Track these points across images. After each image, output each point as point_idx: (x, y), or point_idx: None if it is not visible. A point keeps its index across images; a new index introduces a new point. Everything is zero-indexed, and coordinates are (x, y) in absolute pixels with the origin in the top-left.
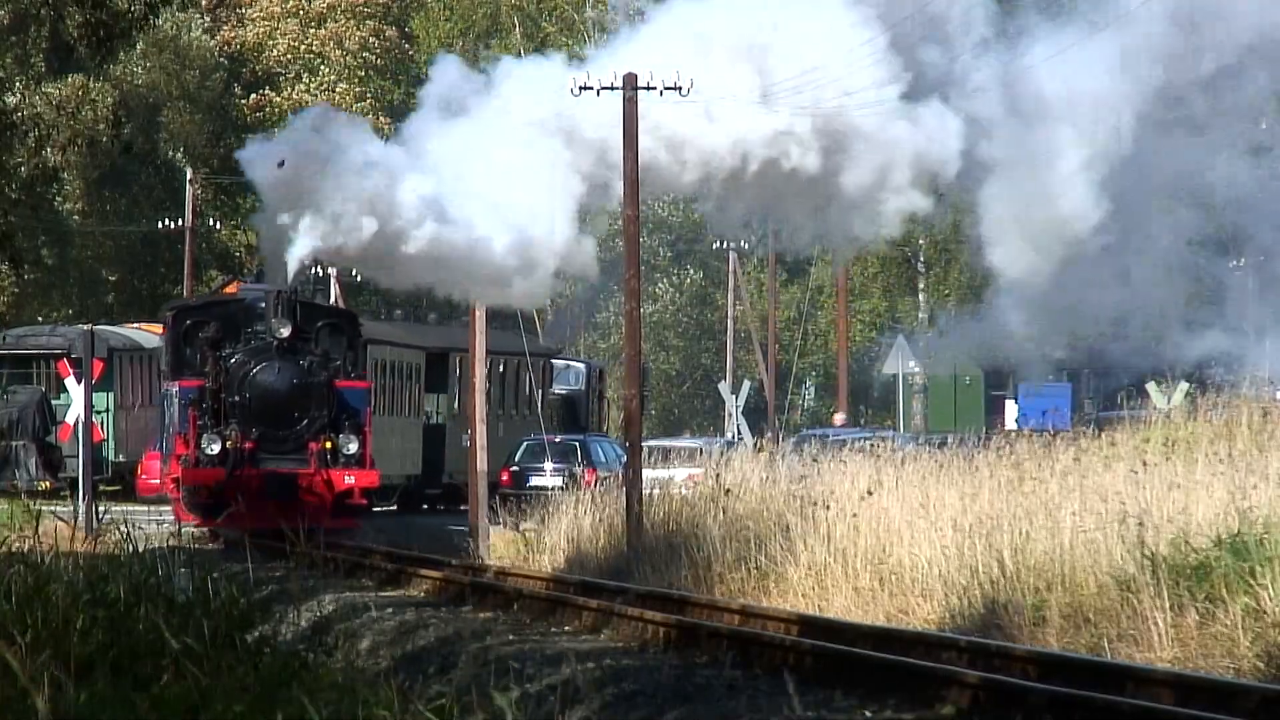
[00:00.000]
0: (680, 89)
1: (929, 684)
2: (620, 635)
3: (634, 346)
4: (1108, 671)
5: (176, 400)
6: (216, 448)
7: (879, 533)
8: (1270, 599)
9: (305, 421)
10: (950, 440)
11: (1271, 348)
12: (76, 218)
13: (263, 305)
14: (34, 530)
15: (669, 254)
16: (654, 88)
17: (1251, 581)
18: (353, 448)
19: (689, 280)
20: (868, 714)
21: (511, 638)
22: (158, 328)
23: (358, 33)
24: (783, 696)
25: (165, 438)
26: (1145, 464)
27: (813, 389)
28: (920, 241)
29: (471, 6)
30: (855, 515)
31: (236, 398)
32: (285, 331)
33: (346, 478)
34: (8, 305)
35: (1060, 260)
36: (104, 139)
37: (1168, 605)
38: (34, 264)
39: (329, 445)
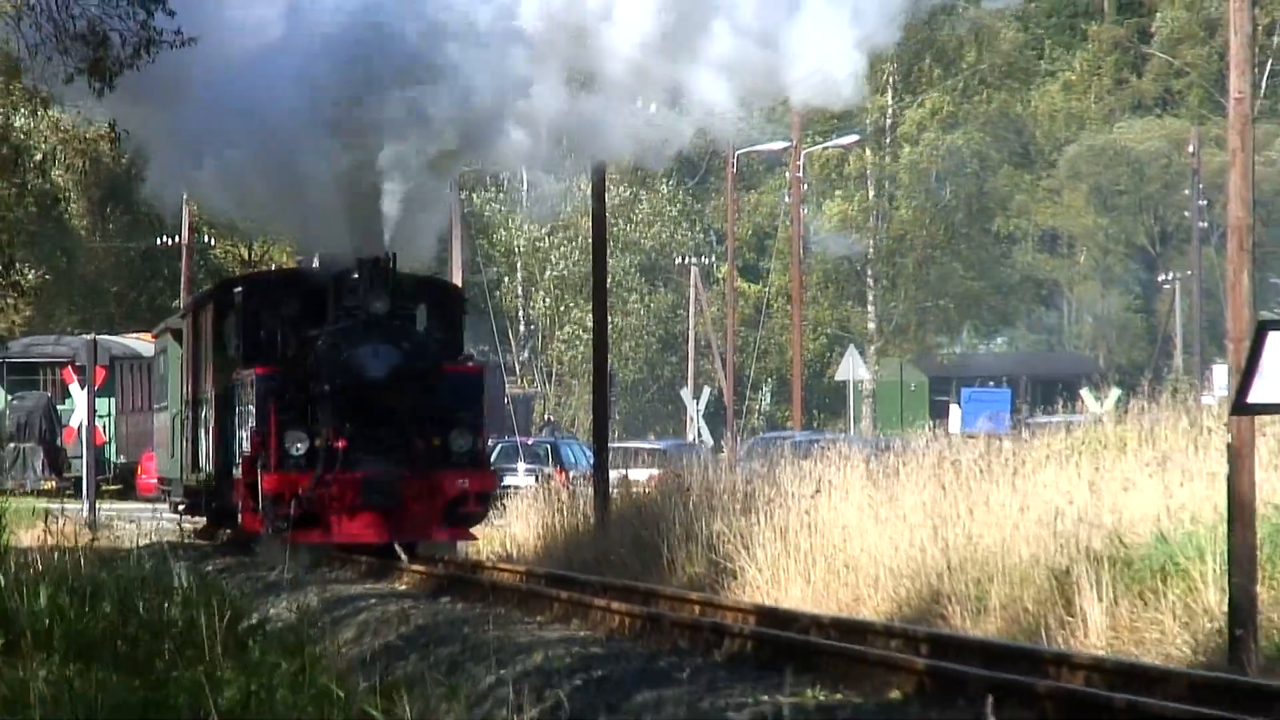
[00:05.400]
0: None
1: (877, 669)
2: (589, 625)
3: (601, 356)
4: (1045, 658)
5: (253, 391)
6: (303, 447)
7: (831, 528)
8: (1192, 590)
9: (409, 414)
10: (896, 442)
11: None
12: (82, 232)
13: (353, 277)
14: (42, 526)
15: (637, 273)
16: None
17: (1179, 573)
18: (465, 445)
19: (655, 300)
20: (820, 697)
21: (487, 627)
22: (149, 336)
23: None
24: (740, 681)
25: (232, 437)
26: (1079, 464)
27: (769, 394)
28: (869, 254)
29: None
30: (809, 513)
31: (326, 387)
32: (382, 306)
33: (459, 481)
34: (17, 318)
35: None
36: (107, 159)
37: (1102, 596)
38: (49, 272)
39: (437, 443)
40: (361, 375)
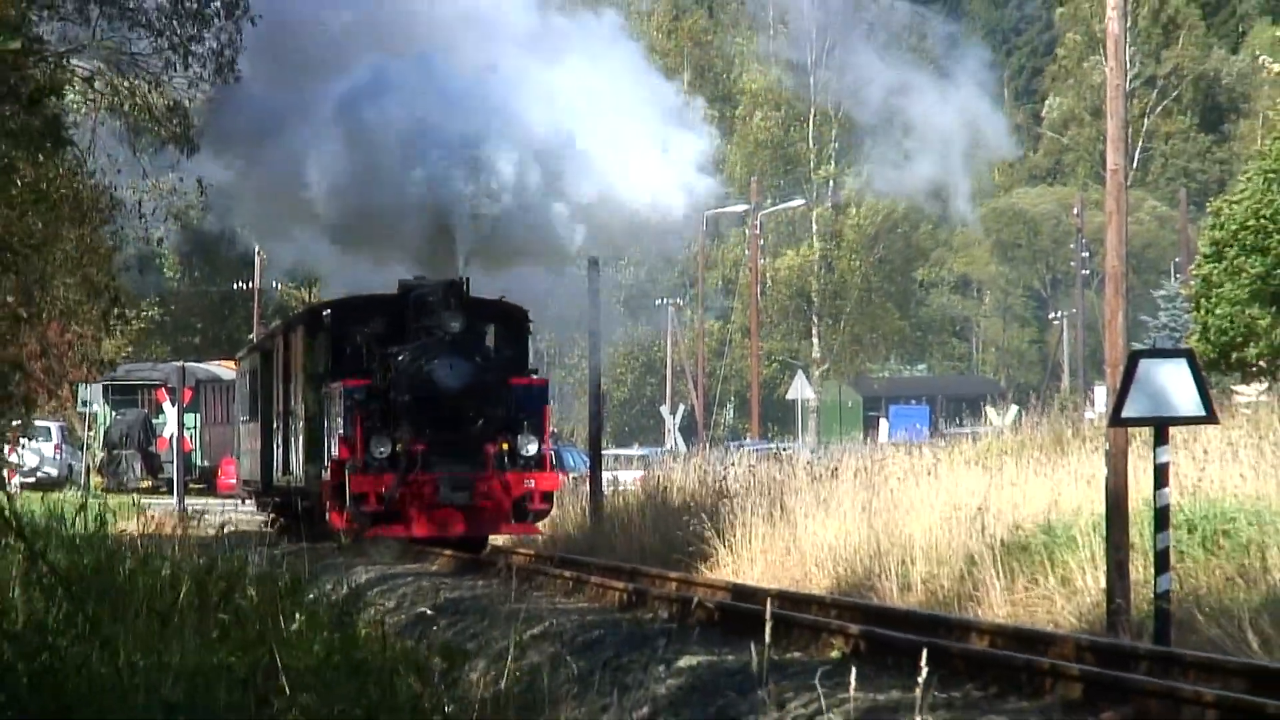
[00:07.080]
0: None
1: (820, 634)
2: (588, 598)
3: (595, 380)
4: (957, 625)
5: (340, 401)
6: (386, 451)
7: (785, 518)
8: (1076, 570)
9: (481, 422)
10: (834, 449)
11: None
12: (172, 276)
13: (430, 299)
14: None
15: (622, 309)
16: None
17: (1063, 557)
18: (532, 449)
19: (637, 331)
20: (774, 656)
21: (504, 600)
22: (232, 364)
23: None
24: (710, 644)
25: (321, 444)
26: (985, 468)
27: (732, 410)
28: (814, 292)
29: None
30: (769, 506)
31: (406, 397)
32: (457, 325)
33: (526, 481)
34: (125, 345)
35: None
36: (194, 220)
37: (1002, 576)
38: (145, 310)
39: (506, 447)
40: (438, 386)
